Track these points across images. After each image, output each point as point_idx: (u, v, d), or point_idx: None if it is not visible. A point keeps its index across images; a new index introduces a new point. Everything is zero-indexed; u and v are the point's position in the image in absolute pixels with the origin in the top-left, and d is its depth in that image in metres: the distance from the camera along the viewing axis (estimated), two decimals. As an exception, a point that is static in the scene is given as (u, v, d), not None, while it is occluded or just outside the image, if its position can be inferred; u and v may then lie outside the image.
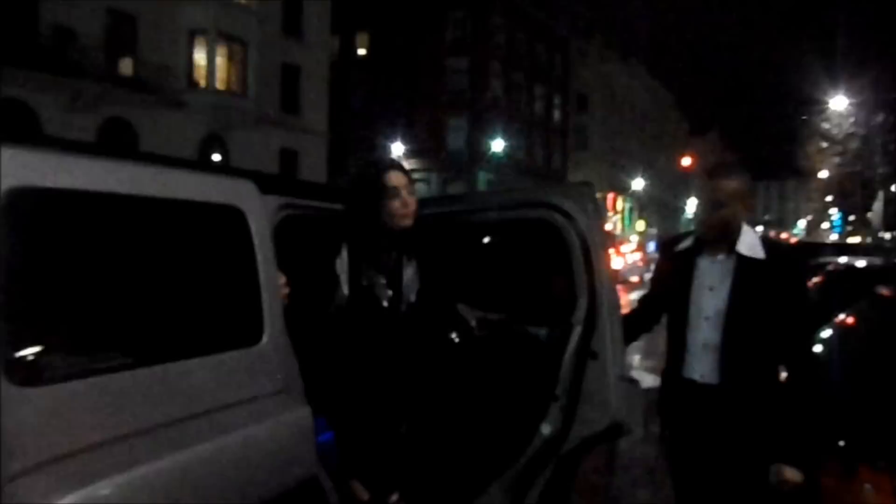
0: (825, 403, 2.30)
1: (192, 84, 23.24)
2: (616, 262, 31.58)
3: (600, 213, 2.76)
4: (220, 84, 23.76)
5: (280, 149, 26.40)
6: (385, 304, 2.21)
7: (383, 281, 2.21)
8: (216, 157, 24.17)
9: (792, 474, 2.15)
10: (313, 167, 27.69)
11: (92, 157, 1.77)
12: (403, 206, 2.15)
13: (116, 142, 20.25)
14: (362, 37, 39.76)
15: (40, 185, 1.55)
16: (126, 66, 21.69)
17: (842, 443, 2.17)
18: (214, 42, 23.31)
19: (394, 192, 2.14)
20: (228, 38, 23.74)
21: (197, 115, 22.97)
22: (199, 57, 23.40)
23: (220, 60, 23.75)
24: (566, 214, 2.65)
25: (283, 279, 2.19)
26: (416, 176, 37.92)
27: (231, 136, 24.25)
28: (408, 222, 2.17)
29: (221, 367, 1.91)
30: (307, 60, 27.34)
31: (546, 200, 2.72)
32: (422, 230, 2.28)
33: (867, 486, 1.97)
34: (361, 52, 40.03)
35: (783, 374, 2.32)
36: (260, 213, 2.14)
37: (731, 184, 2.32)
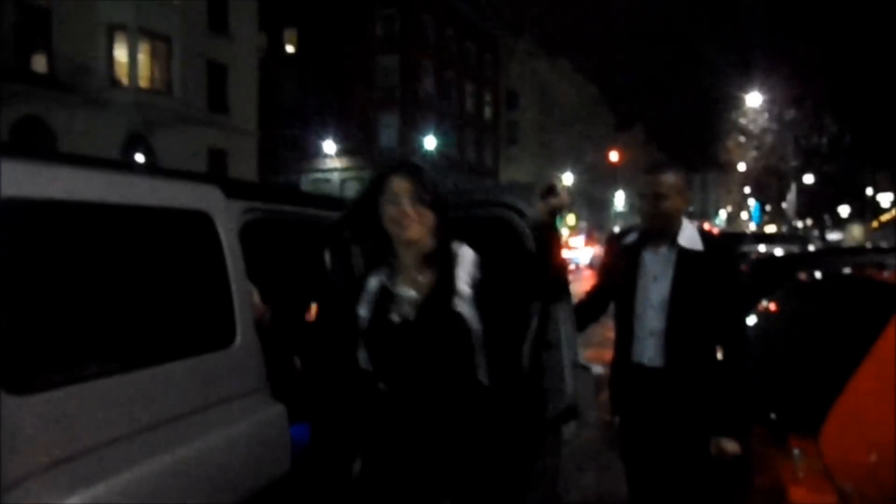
0: (756, 381, 2.52)
1: (113, 82, 22.33)
2: (585, 254, 32.69)
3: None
4: (142, 82, 22.93)
5: (208, 148, 25.72)
6: (397, 323, 1.80)
7: (406, 294, 1.83)
8: (140, 158, 23.35)
9: (730, 445, 2.37)
10: (243, 167, 27.10)
11: (60, 166, 1.78)
12: (400, 215, 1.80)
13: (31, 142, 19.30)
14: (290, 33, 39.14)
15: (7, 195, 1.54)
16: (40, 63, 20.66)
17: (773, 415, 2.39)
18: (136, 38, 22.46)
19: (392, 197, 1.83)
20: (151, 35, 22.92)
21: (119, 114, 22.10)
22: (120, 53, 22.50)
23: (143, 57, 22.91)
24: (519, 212, 2.79)
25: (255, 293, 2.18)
26: (347, 175, 38.03)
27: (156, 135, 23.46)
28: (409, 235, 1.80)
29: (199, 370, 1.95)
30: (234, 58, 26.71)
31: (503, 200, 2.86)
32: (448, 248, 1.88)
33: (796, 451, 2.19)
34: (290, 49, 39.41)
35: (720, 356, 2.53)
36: (227, 218, 2.19)
37: (671, 178, 2.52)
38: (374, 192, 1.88)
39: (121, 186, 1.85)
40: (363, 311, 1.85)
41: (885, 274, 2.66)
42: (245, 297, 2.18)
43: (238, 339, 2.11)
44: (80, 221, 1.74)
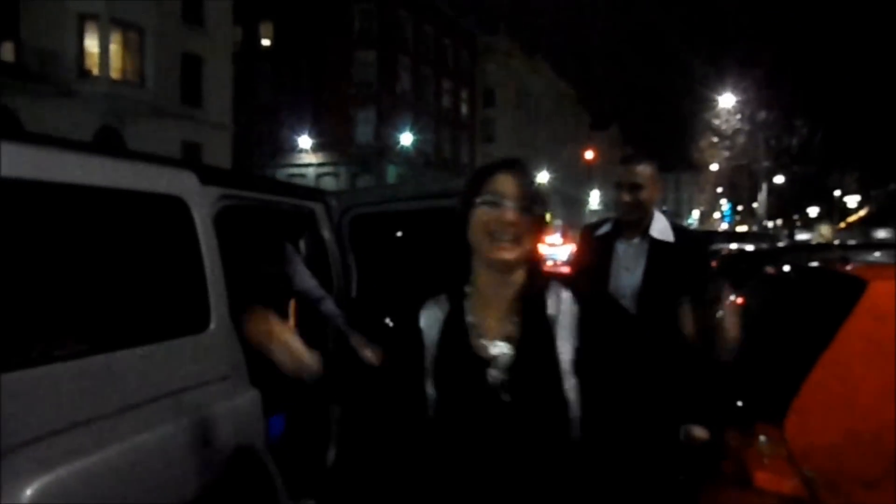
0: (725, 369, 2.58)
1: (84, 72, 21.92)
2: (563, 251, 32.91)
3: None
4: (114, 73, 22.53)
5: (182, 142, 25.38)
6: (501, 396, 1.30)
7: (497, 349, 1.33)
8: (112, 150, 22.94)
9: (699, 432, 2.41)
10: (217, 161, 26.77)
11: (34, 146, 1.76)
12: (502, 225, 1.30)
13: None
14: (266, 27, 38.77)
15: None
16: (7, 52, 20.20)
17: (740, 403, 2.44)
18: (107, 28, 22.07)
19: (492, 197, 1.33)
20: (123, 25, 22.54)
21: (89, 105, 21.71)
22: (91, 44, 22.10)
23: (115, 48, 22.52)
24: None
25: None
26: (322, 170, 37.86)
27: (128, 128, 23.08)
28: (509, 256, 1.31)
29: (172, 354, 1.94)
30: (209, 50, 26.38)
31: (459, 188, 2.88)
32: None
33: (762, 437, 2.24)
34: (266, 42, 39.03)
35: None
36: (202, 204, 2.18)
37: (647, 169, 2.56)
38: (465, 194, 1.39)
39: (94, 168, 1.83)
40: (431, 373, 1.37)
41: (849, 266, 2.73)
42: (220, 283, 2.17)
43: (212, 325, 2.10)
44: (51, 202, 1.73)
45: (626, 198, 2.57)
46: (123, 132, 23.04)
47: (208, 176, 2.28)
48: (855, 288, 2.40)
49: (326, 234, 2.93)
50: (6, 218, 1.63)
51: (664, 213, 2.72)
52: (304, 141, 36.30)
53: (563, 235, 39.48)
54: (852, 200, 38.02)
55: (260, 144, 36.90)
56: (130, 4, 22.54)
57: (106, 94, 22.06)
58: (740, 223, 44.18)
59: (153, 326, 1.92)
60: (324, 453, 2.89)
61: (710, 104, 31.31)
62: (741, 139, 31.82)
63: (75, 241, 1.78)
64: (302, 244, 3.21)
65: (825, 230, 38.80)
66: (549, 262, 29.93)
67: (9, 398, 1.49)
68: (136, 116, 23.08)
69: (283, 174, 38.87)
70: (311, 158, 38.08)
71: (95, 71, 22.13)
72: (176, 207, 2.07)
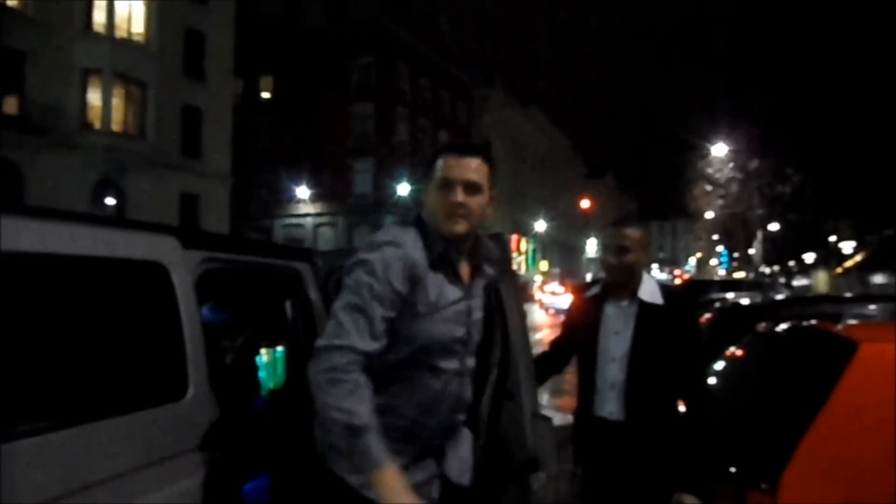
0: (718, 434, 2.52)
1: (86, 125, 22.26)
2: (566, 300, 32.77)
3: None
4: (115, 126, 22.89)
5: (180, 193, 25.59)
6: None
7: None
8: (111, 202, 23.12)
9: (690, 500, 2.34)
10: (216, 211, 26.98)
11: (10, 217, 1.75)
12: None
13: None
14: (266, 80, 39.54)
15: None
16: (10, 105, 20.52)
17: (733, 469, 2.38)
18: (110, 82, 22.51)
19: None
20: (125, 79, 23.00)
21: (90, 157, 21.98)
22: (94, 97, 22.52)
23: (117, 101, 22.93)
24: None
25: None
26: (321, 220, 38.00)
27: (127, 179, 23.32)
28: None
29: (148, 424, 1.90)
30: (209, 103, 26.84)
31: None
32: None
33: (756, 507, 2.17)
34: (265, 95, 39.74)
35: (682, 409, 2.53)
36: (183, 268, 2.16)
37: (636, 232, 2.56)
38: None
39: (73, 238, 1.82)
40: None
41: (840, 326, 2.70)
42: (199, 349, 2.13)
43: (190, 392, 2.06)
44: (28, 273, 1.70)
45: (613, 260, 2.56)
46: (123, 183, 23.25)
47: (190, 240, 2.26)
48: (846, 350, 2.37)
49: (313, 294, 2.90)
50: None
51: (660, 260, 2.70)
52: (303, 191, 36.60)
53: (562, 283, 39.49)
54: (848, 246, 38.17)
55: (258, 195, 37.18)
56: (134, 59, 23.05)
57: (106, 146, 22.36)
58: (737, 269, 44.24)
59: (128, 396, 1.88)
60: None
61: (703, 153, 31.75)
62: (735, 187, 32.16)
63: (47, 312, 1.75)
64: (288, 305, 3.18)
65: (822, 277, 38.85)
66: (551, 311, 29.97)
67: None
68: (136, 168, 23.33)
69: (281, 224, 39.05)
70: (310, 209, 38.33)
71: (97, 124, 22.48)
72: (155, 273, 2.05)
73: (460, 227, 1.76)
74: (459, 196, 1.74)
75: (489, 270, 1.96)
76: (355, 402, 1.53)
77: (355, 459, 1.52)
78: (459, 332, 1.81)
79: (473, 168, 1.78)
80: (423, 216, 1.81)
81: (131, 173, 23.30)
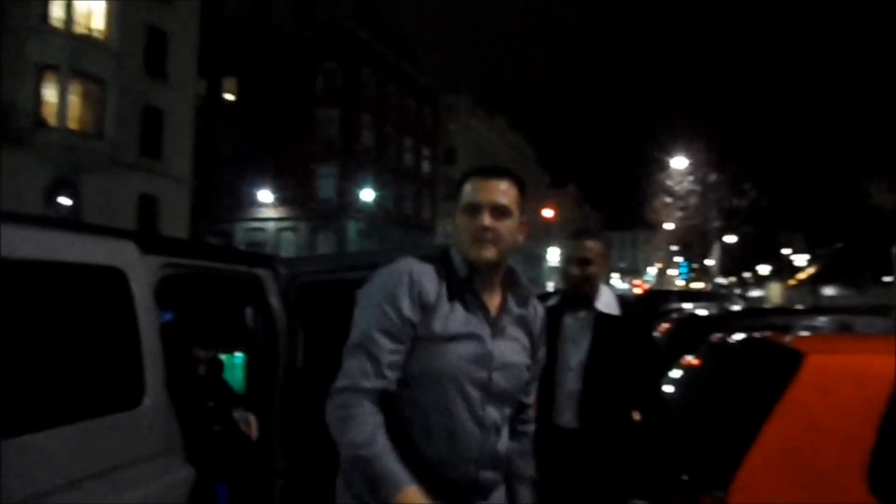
0: (671, 441, 2.58)
1: (40, 122, 21.60)
2: None
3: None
4: (72, 124, 22.29)
5: (139, 195, 25.04)
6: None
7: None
8: (66, 202, 22.50)
9: (645, 507, 2.40)
10: (175, 214, 26.46)
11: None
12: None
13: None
14: (230, 82, 39.00)
15: None
16: (-40, 100, 19.88)
17: (685, 476, 2.44)
18: (67, 79, 21.92)
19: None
20: (83, 76, 22.42)
21: (44, 155, 21.35)
22: (50, 94, 21.89)
23: (74, 99, 22.34)
24: None
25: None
26: (284, 225, 37.60)
27: (83, 179, 22.71)
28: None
29: (103, 431, 1.86)
30: (171, 102, 26.34)
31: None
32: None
33: (707, 514, 2.23)
34: (229, 97, 39.20)
35: (636, 417, 2.59)
36: (141, 274, 2.13)
37: (596, 245, 2.62)
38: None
39: (25, 242, 1.78)
40: None
41: (788, 338, 2.79)
42: (157, 356, 2.11)
43: (147, 399, 2.03)
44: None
45: (575, 272, 2.61)
46: (79, 183, 22.64)
47: (149, 245, 2.24)
48: (792, 360, 2.45)
49: (274, 301, 2.88)
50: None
51: (621, 270, 2.77)
52: (265, 195, 36.17)
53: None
54: (801, 259, 39.31)
55: (220, 198, 36.61)
56: (92, 56, 22.49)
57: (61, 145, 21.74)
58: (695, 280, 45.15)
59: (82, 403, 1.85)
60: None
61: (663, 165, 32.42)
62: (693, 200, 32.89)
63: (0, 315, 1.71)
64: (248, 312, 3.15)
65: (775, 289, 39.93)
66: None
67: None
68: (93, 168, 22.73)
69: (242, 228, 38.51)
70: (272, 213, 37.89)
71: (52, 121, 21.84)
72: (113, 278, 2.02)
73: (489, 253, 1.65)
74: (486, 220, 1.64)
75: (516, 309, 1.77)
76: (359, 431, 1.47)
77: (381, 495, 1.43)
78: (477, 372, 1.63)
79: (502, 190, 1.69)
80: (450, 248, 1.74)
81: (88, 173, 22.71)
